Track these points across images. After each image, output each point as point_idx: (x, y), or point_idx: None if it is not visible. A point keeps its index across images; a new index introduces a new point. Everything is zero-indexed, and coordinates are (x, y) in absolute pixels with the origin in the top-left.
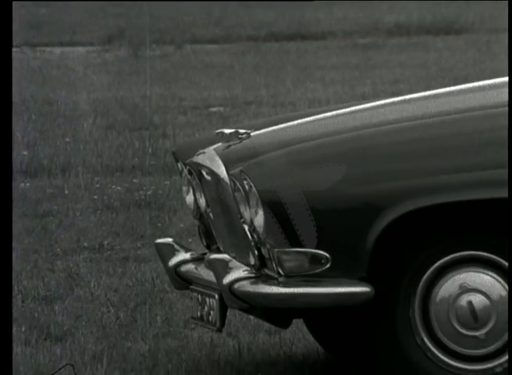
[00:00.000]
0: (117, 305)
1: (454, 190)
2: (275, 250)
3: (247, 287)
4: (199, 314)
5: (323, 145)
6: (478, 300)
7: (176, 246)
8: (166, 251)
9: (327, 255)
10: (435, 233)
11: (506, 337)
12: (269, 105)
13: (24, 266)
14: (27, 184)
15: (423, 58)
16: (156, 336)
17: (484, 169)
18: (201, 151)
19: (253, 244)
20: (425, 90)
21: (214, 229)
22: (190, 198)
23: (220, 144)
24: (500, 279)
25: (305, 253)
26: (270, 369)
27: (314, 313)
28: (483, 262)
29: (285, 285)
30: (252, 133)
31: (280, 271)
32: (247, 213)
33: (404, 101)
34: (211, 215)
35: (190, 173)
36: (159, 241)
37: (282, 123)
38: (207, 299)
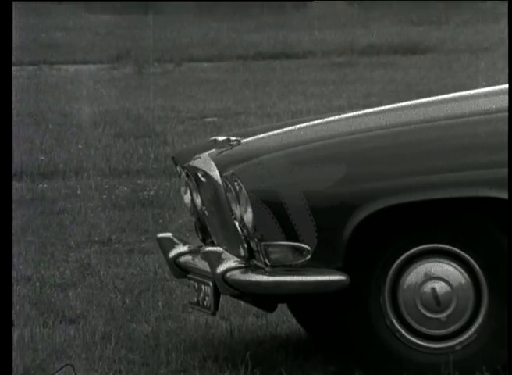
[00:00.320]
0: (123, 292)
1: (420, 190)
2: (262, 243)
3: (237, 275)
4: (195, 299)
5: (306, 151)
6: (440, 287)
7: (175, 240)
8: (167, 244)
9: (308, 247)
10: (403, 228)
11: (464, 319)
12: (257, 115)
13: (42, 257)
14: (45, 185)
15: (392, 75)
16: (158, 318)
17: (444, 172)
18: (197, 156)
19: (243, 238)
20: (394, 103)
21: (208, 225)
22: (187, 198)
23: (214, 150)
24: (460, 268)
25: (288, 246)
26: (258, 348)
27: (297, 299)
28: (445, 253)
29: (271, 274)
30: (242, 140)
31: (267, 262)
32: (237, 211)
33: (376, 112)
34: (206, 212)
35: (187, 175)
36: (160, 235)
37: (268, 131)
38: (202, 286)
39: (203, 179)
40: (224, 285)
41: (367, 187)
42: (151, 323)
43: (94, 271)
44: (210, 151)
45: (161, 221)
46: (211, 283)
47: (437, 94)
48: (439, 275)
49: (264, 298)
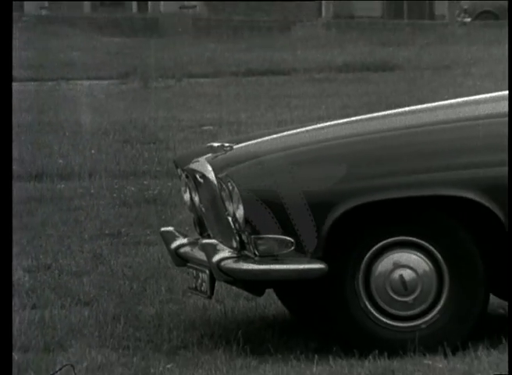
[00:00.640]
0: (131, 278)
1: (390, 190)
2: (252, 236)
3: (230, 264)
4: (194, 285)
5: (292, 155)
6: (407, 274)
7: (176, 233)
8: (169, 237)
9: (292, 240)
10: (375, 223)
11: (428, 301)
12: (247, 124)
13: (60, 248)
14: (62, 186)
15: (365, 89)
16: (161, 302)
17: (411, 173)
18: (196, 159)
19: (235, 231)
20: (367, 113)
21: (205, 220)
22: (187, 196)
23: (210, 154)
24: (424, 257)
25: (275, 238)
26: (248, 327)
27: (282, 284)
28: (411, 245)
29: (259, 263)
30: (234, 146)
31: (256, 252)
32: (230, 207)
33: (354, 121)
34: (203, 209)
35: (187, 176)
36: (163, 229)
37: (257, 138)
38: (200, 274)
39: (200, 180)
40: (219, 273)
41: (343, 187)
42: (155, 305)
43: (106, 260)
44: (206, 156)
45: (163, 217)
46: (207, 271)
47: (404, 106)
48: (406, 263)
49: (253, 284)
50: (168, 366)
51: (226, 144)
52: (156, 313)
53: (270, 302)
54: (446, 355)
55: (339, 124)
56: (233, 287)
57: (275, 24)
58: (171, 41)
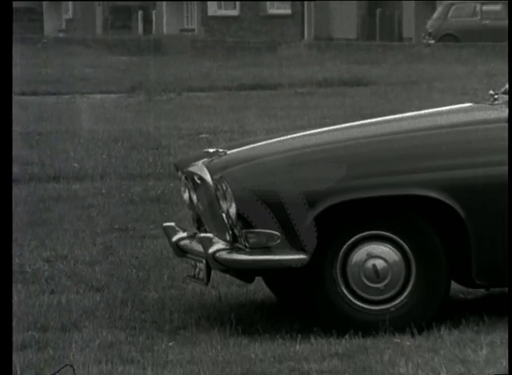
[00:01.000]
0: (137, 267)
1: (364, 190)
2: (243, 230)
3: (224, 255)
4: (192, 273)
5: (278, 160)
6: (379, 263)
7: (177, 228)
8: (170, 231)
9: (278, 233)
10: (351, 218)
11: (397, 288)
12: (239, 133)
13: (75, 240)
14: (77, 186)
15: (342, 102)
16: (163, 288)
17: (383, 175)
18: (194, 163)
19: (228, 226)
20: (344, 123)
21: (202, 216)
22: (186, 196)
23: (206, 159)
24: (394, 249)
25: (263, 232)
26: (240, 310)
27: (269, 272)
28: (383, 238)
29: (249, 254)
30: (227, 152)
31: (246, 244)
32: (224, 205)
33: (331, 130)
34: (200, 207)
35: (186, 178)
36: (165, 224)
37: (247, 145)
38: (197, 263)
39: (198, 181)
40: (214, 262)
41: (322, 188)
42: (158, 291)
43: (115, 252)
44: (203, 160)
45: (166, 213)
46: (204, 261)
47: (377, 117)
48: (378, 254)
49: (244, 272)
50: (170, 344)
51: (220, 150)
52: (159, 298)
53: (259, 288)
54: (412, 335)
55: (318, 133)
56: (227, 275)
57: (263, 45)
58: (172, 59)
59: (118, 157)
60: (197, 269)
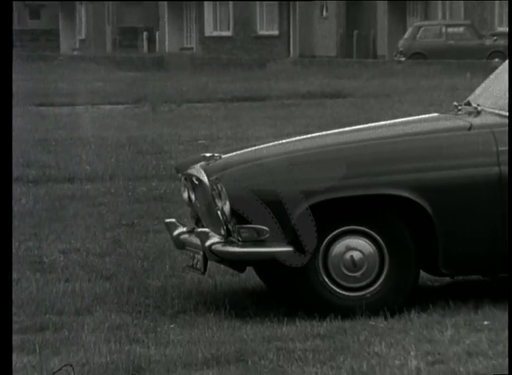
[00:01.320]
0: (142, 258)
1: (343, 190)
2: (236, 226)
3: (219, 247)
4: (191, 264)
5: (266, 163)
6: (356, 255)
7: (177, 223)
8: (171, 227)
9: (267, 228)
10: (332, 215)
11: (372, 276)
12: (232, 139)
13: (87, 234)
14: (89, 186)
15: (323, 112)
16: (166, 276)
17: (360, 177)
18: (192, 166)
19: (223, 222)
20: (324, 131)
21: (200, 213)
22: (185, 195)
23: (203, 162)
24: (370, 242)
25: (254, 228)
26: (233, 296)
27: (259, 263)
28: (360, 232)
29: (242, 247)
30: (222, 156)
31: (239, 238)
32: (219, 203)
33: (313, 137)
34: (198, 205)
35: (185, 179)
36: (167, 220)
37: (240, 150)
38: (196, 255)
39: (196, 182)
40: (210, 254)
41: (305, 188)
42: (160, 279)
43: (122, 244)
44: (201, 163)
45: (167, 211)
46: (201, 253)
47: (355, 125)
48: (356, 247)
49: (237, 263)
50: (171, 326)
51: (216, 155)
52: (161, 285)
53: (250, 277)
54: (386, 318)
55: (301, 139)
56: (222, 266)
57: (253, 62)
58: (173, 74)
59: (125, 161)
60: (195, 260)
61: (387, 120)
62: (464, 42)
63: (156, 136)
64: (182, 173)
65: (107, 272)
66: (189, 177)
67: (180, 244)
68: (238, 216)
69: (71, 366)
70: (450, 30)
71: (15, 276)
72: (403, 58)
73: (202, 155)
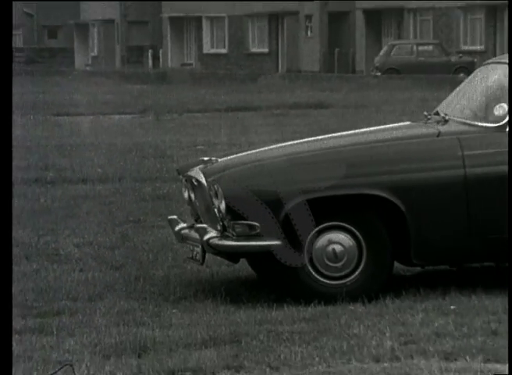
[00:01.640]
0: (148, 251)
1: (326, 190)
2: (231, 222)
3: (216, 241)
4: (191, 256)
5: (256, 166)
6: (337, 247)
7: (179, 220)
8: (173, 223)
9: (258, 224)
10: (316, 212)
11: (351, 266)
12: (227, 145)
13: (99, 230)
14: (100, 187)
15: (308, 121)
16: (168, 267)
17: (342, 178)
18: (192, 169)
19: (219, 219)
20: (309, 137)
21: (198, 211)
22: (186, 195)
23: (202, 165)
24: (349, 236)
25: (246, 224)
26: (229, 284)
27: (251, 255)
28: (341, 228)
29: (236, 240)
30: (219, 160)
31: (233, 233)
32: (216, 202)
33: (299, 142)
34: (197, 203)
35: (186, 181)
36: (170, 217)
37: (234, 154)
38: (195, 248)
39: (195, 183)
40: (208, 247)
41: (291, 189)
42: (164, 269)
43: (130, 238)
44: (199, 166)
45: (170, 209)
46: (200, 246)
47: (336, 132)
48: (337, 240)
49: (231, 255)
50: (174, 311)
51: (213, 158)
52: (165, 275)
53: (243, 267)
54: (364, 303)
55: (288, 145)
56: (218, 257)
57: (246, 76)
58: (175, 87)
59: (132, 164)
60: (195, 253)
61: (365, 128)
62: (433, 59)
63: (160, 142)
64: (183, 175)
65: (116, 263)
66: (189, 179)
67: (181, 238)
68: (232, 213)
69: (71, 366)
70: (421, 48)
71: (34, 266)
72: (378, 73)
73: (201, 158)
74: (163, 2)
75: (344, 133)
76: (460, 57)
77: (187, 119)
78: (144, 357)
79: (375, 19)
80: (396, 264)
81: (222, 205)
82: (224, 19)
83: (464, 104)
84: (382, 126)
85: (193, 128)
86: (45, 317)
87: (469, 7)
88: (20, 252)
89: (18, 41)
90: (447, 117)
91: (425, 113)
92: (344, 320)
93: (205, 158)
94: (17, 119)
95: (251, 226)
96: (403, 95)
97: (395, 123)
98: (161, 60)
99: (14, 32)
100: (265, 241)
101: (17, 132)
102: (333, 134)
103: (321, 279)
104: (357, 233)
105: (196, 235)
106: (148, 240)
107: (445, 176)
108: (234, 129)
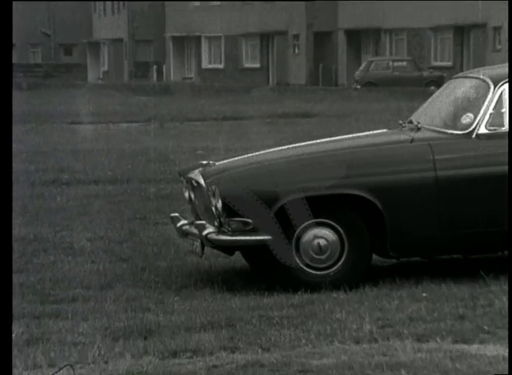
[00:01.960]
0: (152, 245)
1: (312, 190)
2: (227, 219)
3: (214, 236)
4: (191, 249)
5: (249, 169)
6: (322, 241)
7: (180, 217)
8: (175, 220)
9: (251, 221)
10: (303, 210)
11: (334, 258)
12: (224, 150)
13: (109, 226)
14: (110, 187)
15: (295, 129)
16: (171, 259)
17: (327, 180)
18: (192, 171)
19: (216, 216)
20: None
21: (198, 209)
22: (187, 194)
23: (201, 168)
24: (333, 232)
25: (241, 220)
26: (225, 274)
27: (245, 248)
28: (325, 224)
29: (231, 235)
30: (216, 163)
31: (229, 229)
32: (213, 201)
33: (290, 148)
34: (197, 202)
35: (187, 182)
36: (172, 214)
37: (230, 158)
38: (195, 242)
39: (195, 184)
40: (206, 241)
41: (281, 189)
42: (167, 261)
43: (137, 234)
44: (199, 169)
45: (172, 207)
46: (199, 240)
47: (320, 139)
48: (322, 235)
49: (227, 248)
50: (176, 298)
51: (211, 162)
52: (168, 266)
53: (238, 259)
54: (345, 291)
55: (279, 150)
56: (215, 250)
57: (240, 88)
58: (177, 98)
59: (139, 167)
60: (195, 246)
61: (346, 135)
62: (407, 73)
63: (163, 147)
64: (184, 177)
65: (124, 255)
66: (189, 180)
67: (182, 233)
68: (228, 211)
69: (71, 366)
70: (396, 64)
71: (51, 259)
72: (358, 86)
73: (200, 162)
74: (166, 23)
75: (327, 139)
76: (431, 72)
77: (188, 127)
78: (149, 339)
79: (356, 38)
80: (374, 256)
81: (219, 204)
82: (221, 38)
83: (435, 113)
84: (362, 134)
85: (193, 135)
86: (61, 303)
87: (439, 28)
88: (39, 246)
89: (37, 57)
90: (420, 125)
91: (400, 122)
92: (328, 306)
93: (204, 162)
94: (36, 127)
95: (245, 223)
96: (380, 106)
97: (373, 130)
98: (164, 74)
99: (33, 50)
100: (257, 235)
101: (36, 139)
102: (317, 141)
103: (308, 269)
104: (340, 228)
105: (196, 231)
106: (153, 235)
107: (418, 178)
108: (230, 136)
